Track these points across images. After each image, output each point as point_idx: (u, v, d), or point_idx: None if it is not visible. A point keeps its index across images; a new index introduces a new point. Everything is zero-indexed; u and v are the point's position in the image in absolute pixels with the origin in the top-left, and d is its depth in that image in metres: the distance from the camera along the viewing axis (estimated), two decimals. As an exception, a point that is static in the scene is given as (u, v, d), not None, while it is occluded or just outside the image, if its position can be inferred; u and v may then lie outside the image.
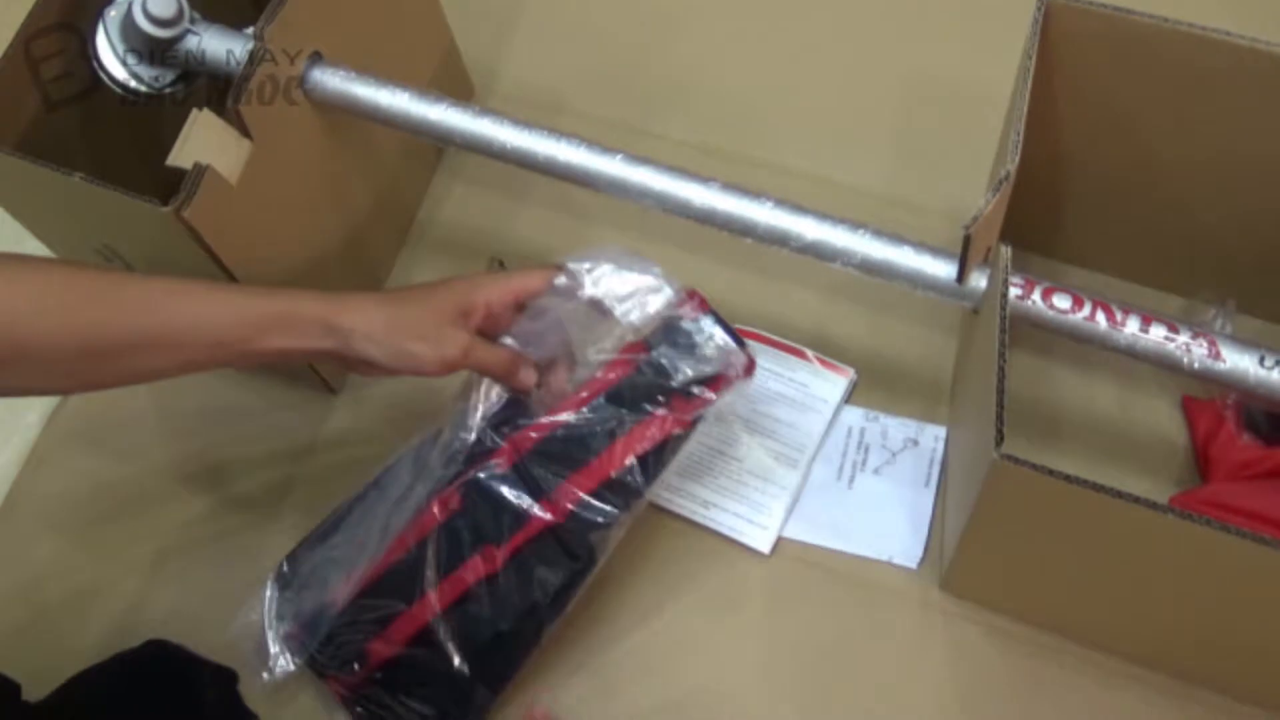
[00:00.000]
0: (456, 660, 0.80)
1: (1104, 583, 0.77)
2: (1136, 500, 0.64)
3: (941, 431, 0.94)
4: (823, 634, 0.89)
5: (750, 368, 0.82)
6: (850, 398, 0.97)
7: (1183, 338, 0.76)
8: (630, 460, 0.79)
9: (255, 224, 0.83)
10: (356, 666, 0.82)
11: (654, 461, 0.80)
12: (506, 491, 0.80)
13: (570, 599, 0.82)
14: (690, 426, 0.81)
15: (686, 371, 0.80)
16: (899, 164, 1.08)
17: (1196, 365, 0.76)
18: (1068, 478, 0.65)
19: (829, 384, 0.96)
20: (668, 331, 0.81)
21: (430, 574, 0.80)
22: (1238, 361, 0.76)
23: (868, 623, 0.89)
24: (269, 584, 0.85)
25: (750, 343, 0.97)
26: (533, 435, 0.81)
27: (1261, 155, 0.83)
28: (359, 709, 0.83)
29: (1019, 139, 0.72)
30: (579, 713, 0.86)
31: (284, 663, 0.83)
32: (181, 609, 0.92)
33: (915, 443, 0.94)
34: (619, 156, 0.83)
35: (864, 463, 0.94)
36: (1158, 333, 0.77)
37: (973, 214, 0.70)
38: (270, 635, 0.83)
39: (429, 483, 0.82)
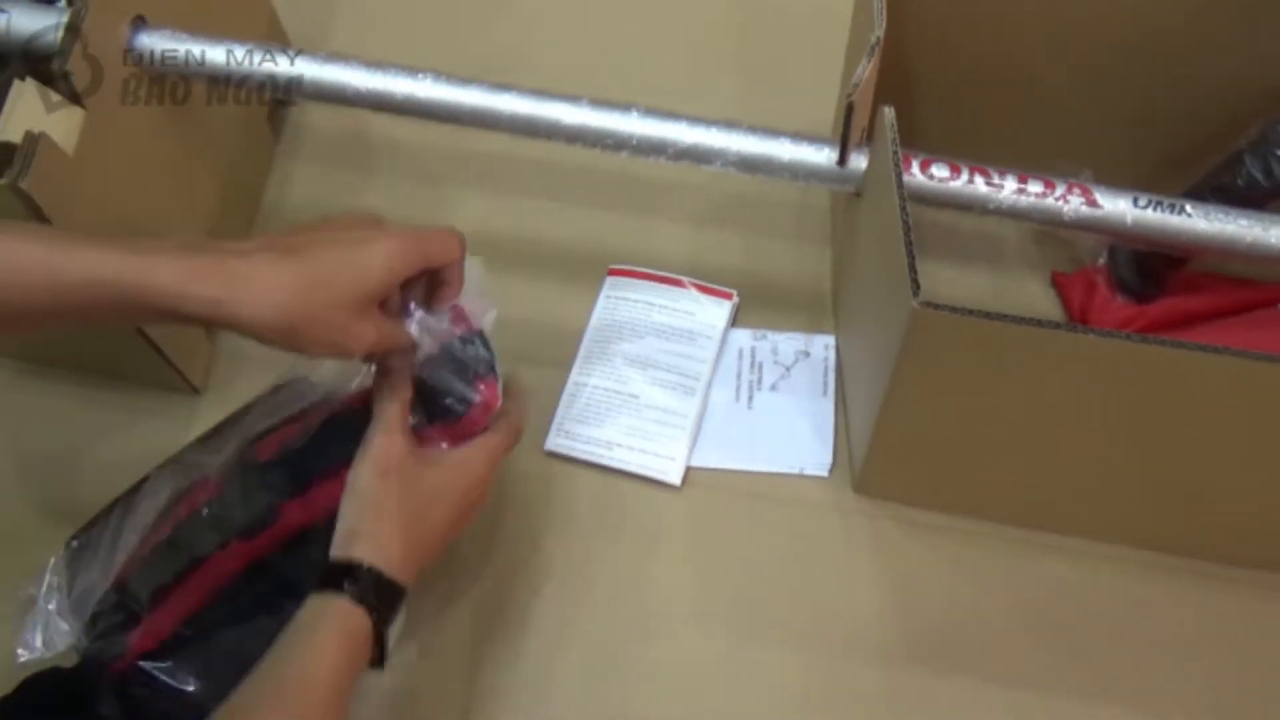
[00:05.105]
0: (192, 685, 0.72)
1: (1031, 439, 0.77)
2: (1058, 327, 0.64)
3: (830, 339, 0.94)
4: (747, 556, 0.87)
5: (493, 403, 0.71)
6: (736, 320, 0.96)
7: (1059, 190, 0.78)
8: None
9: (97, 202, 0.77)
10: (119, 654, 0.73)
11: None
12: (257, 485, 0.72)
13: None
14: None
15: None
16: (749, 88, 1.09)
17: (1076, 215, 0.78)
18: (988, 315, 0.65)
19: (713, 309, 0.95)
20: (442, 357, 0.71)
21: (179, 563, 0.72)
22: (1114, 205, 0.78)
23: (790, 537, 0.87)
24: (54, 559, 0.77)
25: (636, 282, 0.97)
26: (287, 435, 0.74)
27: (1111, 20, 0.85)
28: (124, 694, 0.73)
29: (883, 4, 0.73)
30: (514, 671, 0.82)
31: (49, 642, 0.75)
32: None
33: (806, 354, 0.94)
34: (479, 86, 0.80)
35: (760, 381, 0.93)
36: (1035, 188, 0.78)
37: (853, 81, 0.70)
38: (41, 613, 0.75)
39: (199, 466, 0.75)
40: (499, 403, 0.71)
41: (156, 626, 0.73)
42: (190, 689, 0.72)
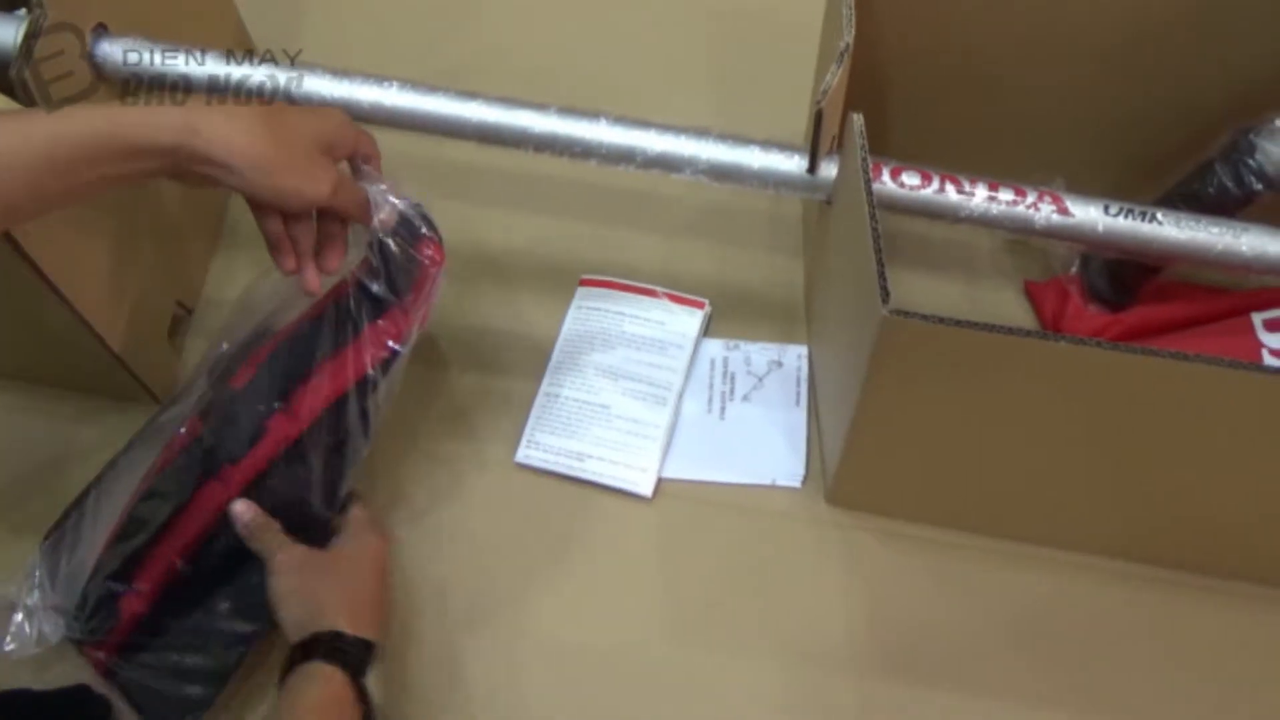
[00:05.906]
0: (210, 602, 0.77)
1: (1004, 448, 0.77)
2: (1030, 335, 0.64)
3: (803, 350, 0.94)
4: (719, 568, 0.86)
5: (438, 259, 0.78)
6: (708, 330, 0.95)
7: (1030, 198, 0.78)
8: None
9: (60, 214, 0.76)
10: (112, 626, 0.76)
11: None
12: (240, 410, 0.76)
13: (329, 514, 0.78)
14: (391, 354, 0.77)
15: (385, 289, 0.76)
16: (719, 96, 1.09)
17: (1047, 223, 0.78)
18: (958, 323, 0.64)
19: (685, 318, 0.94)
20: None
21: (168, 509, 0.75)
22: (1085, 214, 0.78)
23: (762, 548, 0.87)
24: (31, 558, 0.78)
25: (600, 292, 0.96)
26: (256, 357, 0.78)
27: (1082, 29, 0.85)
28: (121, 675, 0.77)
29: (851, 12, 0.72)
30: (485, 684, 0.81)
31: (37, 634, 0.76)
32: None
33: (779, 364, 0.93)
34: (447, 94, 0.80)
35: (732, 391, 0.92)
36: (1005, 196, 0.78)
37: (823, 88, 0.70)
38: (22, 608, 0.76)
39: (170, 426, 0.79)
40: (444, 258, 0.77)
41: (143, 588, 0.75)
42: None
